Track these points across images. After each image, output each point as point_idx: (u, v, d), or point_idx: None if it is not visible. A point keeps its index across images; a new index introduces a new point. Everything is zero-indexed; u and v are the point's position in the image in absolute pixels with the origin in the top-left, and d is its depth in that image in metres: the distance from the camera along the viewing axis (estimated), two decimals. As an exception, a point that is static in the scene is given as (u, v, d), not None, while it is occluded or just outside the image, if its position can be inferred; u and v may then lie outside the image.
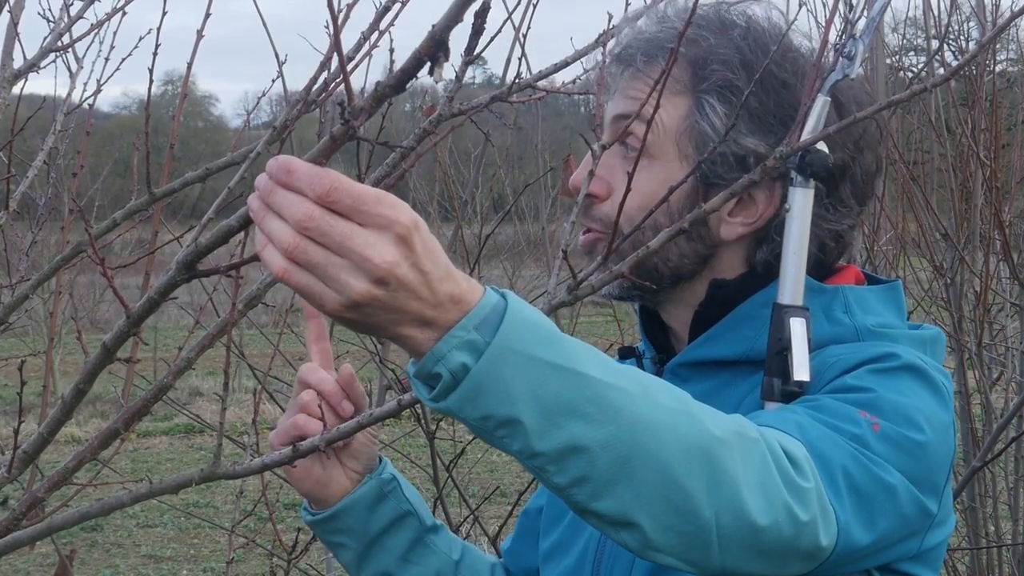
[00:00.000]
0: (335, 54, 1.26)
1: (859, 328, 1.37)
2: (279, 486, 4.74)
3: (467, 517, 3.54)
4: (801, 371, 1.28)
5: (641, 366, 1.49)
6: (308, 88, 1.58)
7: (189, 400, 11.98)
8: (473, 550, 1.63)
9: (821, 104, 1.33)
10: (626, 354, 1.52)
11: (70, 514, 1.42)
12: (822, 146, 1.33)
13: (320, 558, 4.40)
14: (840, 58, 1.34)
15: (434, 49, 0.95)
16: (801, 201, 1.34)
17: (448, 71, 0.97)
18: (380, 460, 1.54)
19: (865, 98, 1.43)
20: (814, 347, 1.34)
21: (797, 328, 1.30)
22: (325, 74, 1.58)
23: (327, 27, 1.32)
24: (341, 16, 1.75)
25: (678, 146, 1.40)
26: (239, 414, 11.30)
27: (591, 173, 1.39)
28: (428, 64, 0.96)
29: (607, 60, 1.46)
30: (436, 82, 0.96)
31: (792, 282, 1.33)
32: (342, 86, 0.97)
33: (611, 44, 1.47)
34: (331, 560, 3.85)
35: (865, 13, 1.37)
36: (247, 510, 4.04)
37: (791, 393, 1.28)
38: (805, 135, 1.32)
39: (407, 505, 1.54)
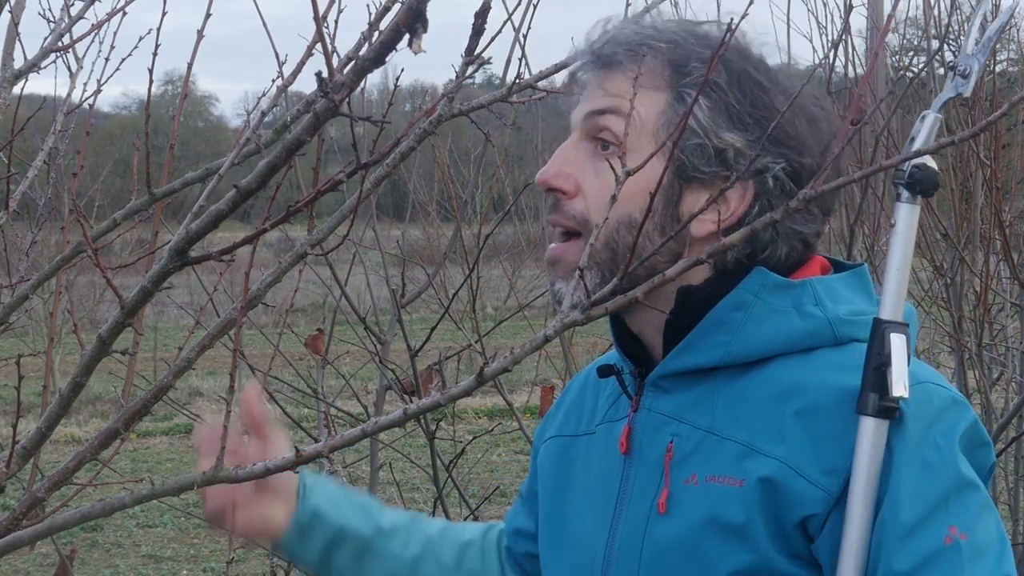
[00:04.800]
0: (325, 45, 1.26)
1: (831, 319, 1.38)
2: (279, 486, 4.74)
3: (467, 517, 3.54)
4: (899, 387, 1.29)
5: (621, 383, 1.48)
6: (295, 74, 1.58)
7: (189, 400, 11.96)
8: (439, 539, 1.69)
9: (932, 121, 1.32)
10: (605, 372, 1.52)
11: (71, 514, 1.42)
12: (931, 161, 1.32)
13: (320, 558, 4.40)
14: (955, 76, 1.33)
15: (412, 20, 0.94)
16: (907, 217, 1.34)
17: (447, 69, 0.97)
18: (301, 492, 1.63)
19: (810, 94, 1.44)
20: (794, 347, 1.36)
21: (897, 344, 1.30)
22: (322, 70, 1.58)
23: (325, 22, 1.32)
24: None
25: (655, 140, 1.39)
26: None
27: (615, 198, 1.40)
28: (407, 36, 0.95)
29: (579, 62, 1.47)
30: (415, 53, 0.95)
31: (893, 297, 1.34)
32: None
33: (580, 46, 1.48)
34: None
35: (977, 31, 1.36)
36: (247, 510, 4.04)
37: (887, 409, 1.29)
38: (916, 149, 1.32)
39: (333, 531, 1.63)
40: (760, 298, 1.38)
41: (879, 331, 1.31)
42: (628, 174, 1.31)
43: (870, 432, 1.28)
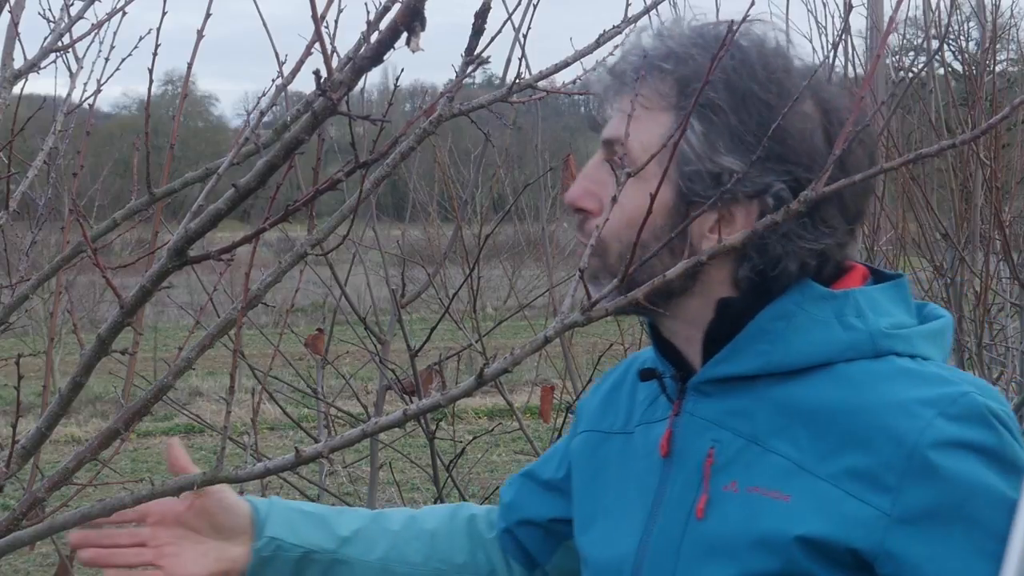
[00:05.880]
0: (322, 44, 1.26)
1: (873, 332, 1.37)
2: (279, 486, 4.75)
3: (467, 517, 3.53)
4: None
5: (663, 387, 1.50)
6: (294, 74, 1.58)
7: (189, 400, 11.98)
8: (403, 535, 1.73)
9: None
10: (647, 376, 1.53)
11: (71, 514, 1.42)
12: None
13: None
14: None
15: (410, 19, 0.94)
16: None
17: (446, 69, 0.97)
18: (257, 523, 1.66)
19: (846, 105, 1.43)
20: (834, 358, 1.36)
21: None
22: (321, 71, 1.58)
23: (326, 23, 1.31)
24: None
25: (659, 162, 1.38)
26: (238, 414, 11.31)
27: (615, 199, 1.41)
28: (405, 34, 0.95)
29: (601, 70, 1.49)
30: (413, 51, 0.96)
31: None
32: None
33: (614, 52, 1.49)
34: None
35: None
36: (247, 510, 4.03)
37: None
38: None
39: (297, 555, 1.67)
40: (803, 308, 1.39)
41: None
42: (628, 174, 1.31)
43: None
